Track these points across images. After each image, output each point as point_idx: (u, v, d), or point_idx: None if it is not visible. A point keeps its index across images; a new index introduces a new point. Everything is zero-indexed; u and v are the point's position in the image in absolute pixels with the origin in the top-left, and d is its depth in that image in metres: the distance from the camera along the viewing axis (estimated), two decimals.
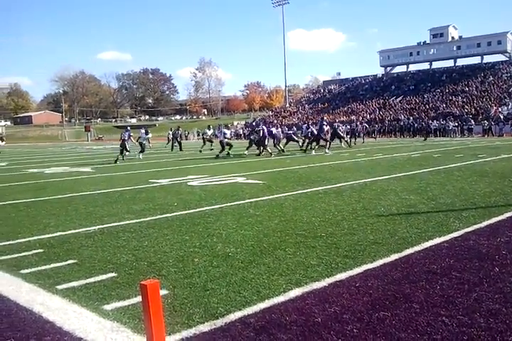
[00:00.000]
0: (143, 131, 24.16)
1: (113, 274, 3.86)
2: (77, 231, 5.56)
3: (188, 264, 4.07)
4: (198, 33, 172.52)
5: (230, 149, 19.96)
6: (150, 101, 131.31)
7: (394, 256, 4.10)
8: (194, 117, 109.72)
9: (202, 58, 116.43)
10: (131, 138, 20.26)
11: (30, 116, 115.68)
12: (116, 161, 18.20)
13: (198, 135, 66.35)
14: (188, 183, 10.08)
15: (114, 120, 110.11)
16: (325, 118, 29.08)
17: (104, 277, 3.79)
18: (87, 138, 69.79)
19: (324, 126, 20.61)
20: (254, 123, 26.24)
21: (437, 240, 4.60)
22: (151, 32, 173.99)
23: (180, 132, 29.14)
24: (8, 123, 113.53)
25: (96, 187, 9.93)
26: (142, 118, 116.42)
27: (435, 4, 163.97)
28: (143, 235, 5.23)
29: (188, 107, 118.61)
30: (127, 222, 6.02)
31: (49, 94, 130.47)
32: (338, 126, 24.30)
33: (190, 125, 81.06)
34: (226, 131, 20.65)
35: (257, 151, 20.34)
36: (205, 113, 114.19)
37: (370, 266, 3.86)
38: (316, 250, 4.37)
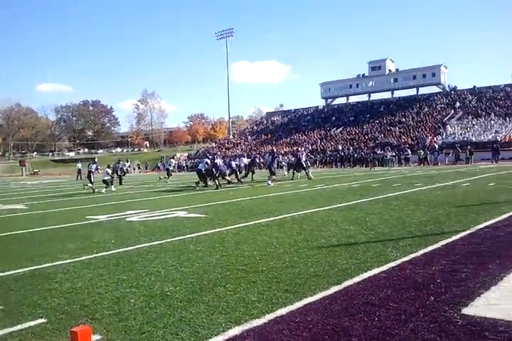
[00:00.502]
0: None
1: (42, 320, 3.62)
2: (4, 274, 5.23)
3: (124, 306, 3.90)
4: (141, 65, 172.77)
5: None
6: (90, 133, 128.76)
7: (334, 289, 4.11)
8: (136, 150, 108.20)
9: (145, 90, 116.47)
10: (98, 170, 20.84)
11: None
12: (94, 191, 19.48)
13: (139, 168, 65.60)
14: (127, 219, 9.82)
15: (51, 154, 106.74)
16: (274, 150, 29.68)
17: (32, 323, 3.55)
18: (22, 173, 67.02)
19: (275, 159, 21.25)
20: (208, 155, 25.96)
21: (375, 271, 4.65)
22: (93, 64, 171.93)
23: (120, 165, 28.52)
24: None
25: (29, 225, 9.46)
26: (81, 151, 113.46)
27: (373, 38, 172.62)
28: (76, 276, 4.99)
29: (129, 140, 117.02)
30: (61, 262, 5.74)
31: None
32: (301, 156, 24.00)
33: (132, 157, 79.94)
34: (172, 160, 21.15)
35: (203, 183, 20.13)
36: (147, 145, 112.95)
37: (310, 299, 3.84)
38: (257, 285, 4.31)
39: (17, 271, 5.32)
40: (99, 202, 14.55)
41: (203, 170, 19.98)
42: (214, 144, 76.05)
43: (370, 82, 71.51)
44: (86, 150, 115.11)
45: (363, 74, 72.49)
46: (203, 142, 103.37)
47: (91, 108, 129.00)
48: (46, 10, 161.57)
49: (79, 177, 39.36)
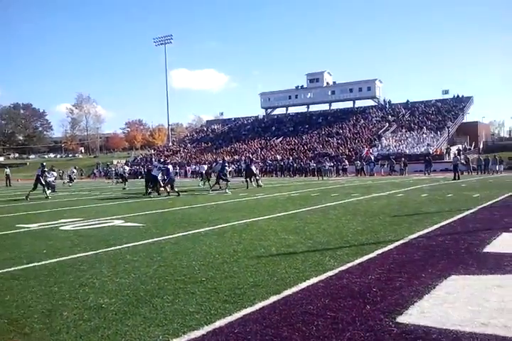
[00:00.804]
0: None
1: None
2: None
3: (56, 319, 3.72)
4: (76, 68, 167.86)
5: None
6: (21, 138, 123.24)
7: (273, 298, 4.12)
8: (70, 155, 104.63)
9: (79, 94, 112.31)
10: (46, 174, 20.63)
11: None
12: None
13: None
14: (61, 228, 9.44)
15: None
16: (225, 158, 29.66)
17: None
18: None
19: (226, 167, 21.13)
20: (156, 161, 25.86)
21: (314, 280, 4.72)
22: (25, 65, 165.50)
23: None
24: None
25: None
26: (11, 156, 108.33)
27: (311, 50, 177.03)
28: (5, 288, 4.72)
29: (63, 145, 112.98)
30: None
31: None
32: (251, 164, 24.78)
33: (67, 164, 77.18)
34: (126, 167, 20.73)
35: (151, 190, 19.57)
36: (83, 151, 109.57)
37: (249, 310, 3.83)
38: (195, 296, 4.25)
39: None
40: (31, 210, 13.90)
41: (158, 176, 19.19)
42: (153, 151, 74.94)
43: (309, 94, 73.23)
44: (17, 155, 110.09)
45: (302, 86, 74.10)
46: (141, 149, 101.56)
47: (22, 111, 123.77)
48: None
49: (8, 183, 37.63)
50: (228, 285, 4.61)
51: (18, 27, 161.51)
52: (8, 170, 39.54)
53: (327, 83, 72.16)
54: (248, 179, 23.98)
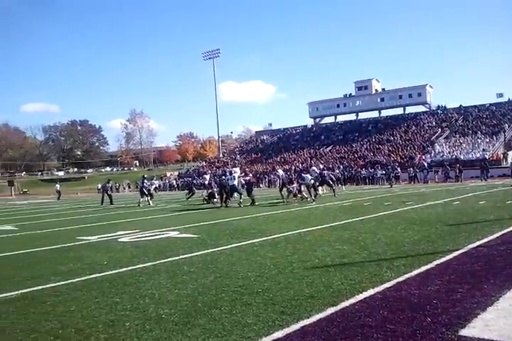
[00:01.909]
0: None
1: None
2: None
3: (119, 329, 3.85)
4: (129, 84, 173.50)
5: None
6: (79, 153, 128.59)
7: (330, 310, 4.09)
8: (125, 169, 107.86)
9: (133, 109, 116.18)
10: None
11: None
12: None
13: (129, 187, 65.27)
14: (119, 239, 9.74)
15: (40, 173, 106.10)
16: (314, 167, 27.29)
17: None
18: (11, 193, 66.40)
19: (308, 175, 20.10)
20: (223, 172, 25.72)
21: (371, 291, 4.65)
22: (80, 83, 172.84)
23: (110, 185, 28.45)
24: None
25: (19, 246, 9.34)
26: (70, 170, 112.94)
27: (358, 58, 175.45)
28: (70, 299, 4.93)
29: (118, 159, 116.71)
30: (53, 284, 5.67)
31: None
32: (326, 173, 23.85)
33: (122, 177, 79.66)
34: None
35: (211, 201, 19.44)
36: (137, 164, 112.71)
37: (306, 321, 3.82)
38: (252, 307, 4.29)
39: (8, 294, 5.24)
40: (89, 223, 14.43)
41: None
42: (204, 163, 76.09)
43: (358, 102, 72.34)
44: (75, 169, 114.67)
45: (350, 94, 73.37)
46: (192, 161, 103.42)
47: (79, 128, 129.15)
48: (33, 28, 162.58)
49: (58, 197, 39.70)
50: (284, 296, 4.62)
51: (76, 50, 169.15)
52: (58, 186, 42.62)
53: (376, 90, 71.12)
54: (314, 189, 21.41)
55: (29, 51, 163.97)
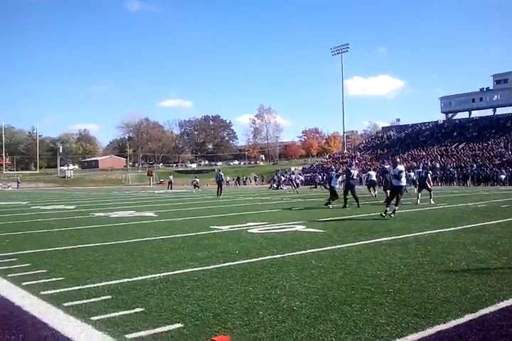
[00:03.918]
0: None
1: (179, 325, 3.88)
2: (143, 277, 5.67)
3: (253, 317, 4.04)
4: (257, 80, 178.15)
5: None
6: (210, 146, 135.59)
7: (468, 317, 3.90)
8: (252, 162, 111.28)
9: (261, 105, 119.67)
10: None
11: (97, 160, 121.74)
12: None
13: (255, 180, 67.29)
14: (249, 230, 10.13)
15: (175, 165, 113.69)
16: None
17: (171, 327, 3.81)
18: (150, 182, 72.13)
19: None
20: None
21: None
22: (212, 80, 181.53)
23: (222, 175, 30.41)
24: (76, 167, 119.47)
25: (159, 232, 10.16)
26: (202, 163, 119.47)
27: (497, 50, 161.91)
28: (207, 284, 5.27)
29: (246, 153, 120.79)
30: (191, 269, 6.09)
31: (115, 139, 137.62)
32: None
33: (249, 170, 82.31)
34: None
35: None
36: (263, 158, 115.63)
37: (442, 326, 3.68)
38: (384, 307, 4.23)
39: (153, 276, 5.74)
40: (221, 213, 15.18)
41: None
42: (328, 158, 75.77)
43: (495, 96, 66.92)
44: (206, 162, 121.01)
45: (487, 88, 68.08)
46: (316, 156, 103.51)
47: (211, 122, 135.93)
48: (167, 33, 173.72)
49: (170, 187, 46.00)
50: (417, 298, 4.49)
51: (207, 50, 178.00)
52: (171, 177, 49.62)
53: None
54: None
55: (164, 52, 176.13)
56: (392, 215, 11.94)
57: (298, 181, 35.93)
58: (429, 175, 18.66)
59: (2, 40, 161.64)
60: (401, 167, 12.64)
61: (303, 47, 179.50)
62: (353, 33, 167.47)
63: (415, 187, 21.54)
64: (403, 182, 12.52)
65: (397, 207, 12.28)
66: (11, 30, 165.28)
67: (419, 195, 18.21)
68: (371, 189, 23.68)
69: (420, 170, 21.48)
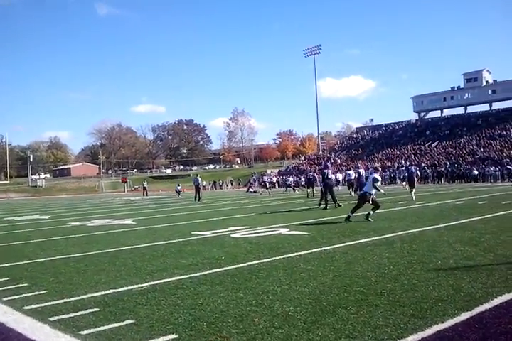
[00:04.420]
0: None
1: (174, 336, 3.74)
2: (129, 288, 5.51)
3: (249, 324, 3.94)
4: (230, 83, 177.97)
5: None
6: (184, 151, 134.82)
7: (464, 315, 3.88)
8: (227, 166, 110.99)
9: (235, 108, 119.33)
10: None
11: (69, 168, 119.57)
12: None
13: (232, 184, 67.13)
14: (231, 235, 10.01)
15: (149, 171, 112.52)
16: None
17: (165, 339, 3.68)
18: (124, 189, 71.20)
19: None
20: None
21: (507, 296, 4.35)
22: (184, 84, 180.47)
23: (200, 180, 29.64)
24: (48, 175, 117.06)
25: (140, 240, 9.95)
26: (177, 168, 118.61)
27: (467, 49, 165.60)
28: (196, 292, 5.14)
29: (221, 156, 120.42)
30: (178, 277, 5.95)
31: (86, 146, 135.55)
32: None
33: (225, 174, 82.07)
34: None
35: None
36: (239, 162, 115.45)
37: (441, 326, 3.65)
38: (379, 308, 4.18)
39: (140, 286, 5.57)
40: (201, 218, 15.00)
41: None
42: (304, 160, 76.09)
43: (466, 95, 68.49)
44: (181, 167, 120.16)
45: (458, 87, 69.53)
46: (292, 158, 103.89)
47: (185, 127, 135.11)
48: (137, 37, 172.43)
49: (144, 193, 46.60)
50: (411, 298, 4.46)
51: (178, 54, 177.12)
52: (145, 183, 49.78)
53: (486, 82, 66.67)
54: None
55: (133, 58, 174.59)
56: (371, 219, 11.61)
57: (268, 183, 36.31)
58: (417, 170, 18.98)
59: None
60: (377, 176, 12.16)
61: (275, 48, 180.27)
62: (325, 34, 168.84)
63: (406, 184, 22.04)
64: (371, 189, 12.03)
65: (352, 214, 11.75)
66: None
67: (413, 192, 18.74)
68: (351, 189, 23.85)
69: (410, 166, 21.98)
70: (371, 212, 11.67)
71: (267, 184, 35.31)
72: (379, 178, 11.98)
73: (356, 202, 12.13)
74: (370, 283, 5.15)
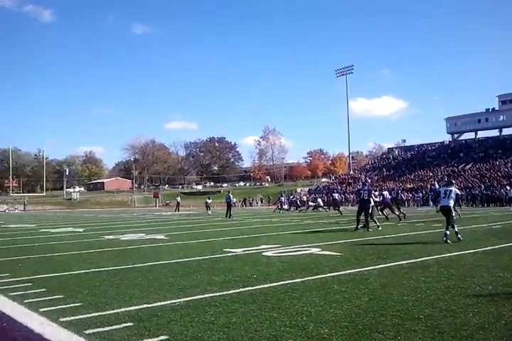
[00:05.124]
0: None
1: None
2: (162, 303, 5.53)
3: None
4: (261, 102, 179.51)
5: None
6: (215, 168, 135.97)
7: None
8: (257, 184, 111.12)
9: (266, 127, 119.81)
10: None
11: (103, 182, 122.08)
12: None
13: (262, 202, 67.08)
14: (263, 253, 9.97)
15: (180, 186, 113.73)
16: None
17: None
18: (156, 204, 72.02)
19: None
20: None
21: None
22: (217, 102, 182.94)
23: (232, 197, 30.13)
24: (82, 189, 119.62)
25: (173, 255, 10.01)
26: (208, 184, 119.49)
27: (502, 69, 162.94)
28: (229, 310, 5.12)
29: (251, 174, 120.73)
30: (211, 294, 5.94)
31: (120, 161, 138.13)
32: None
33: (255, 191, 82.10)
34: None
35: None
36: (269, 179, 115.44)
37: None
38: (417, 334, 4.07)
39: (173, 301, 5.59)
40: (232, 235, 15.00)
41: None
42: (334, 179, 75.55)
43: (501, 116, 67.19)
44: (212, 183, 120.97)
45: (493, 108, 68.30)
46: (322, 177, 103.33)
47: (217, 144, 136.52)
48: (170, 58, 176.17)
49: (177, 209, 45.32)
50: (450, 325, 4.33)
51: (211, 72, 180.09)
52: (179, 198, 47.41)
53: None
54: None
55: (168, 76, 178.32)
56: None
57: (298, 202, 36.95)
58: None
59: (6, 63, 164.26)
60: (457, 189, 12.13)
61: (307, 68, 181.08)
62: (357, 55, 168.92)
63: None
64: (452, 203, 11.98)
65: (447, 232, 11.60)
66: (16, 52, 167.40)
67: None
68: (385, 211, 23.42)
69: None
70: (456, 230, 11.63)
71: (297, 203, 35.47)
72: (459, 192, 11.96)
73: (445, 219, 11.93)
74: (406, 307, 5.04)
